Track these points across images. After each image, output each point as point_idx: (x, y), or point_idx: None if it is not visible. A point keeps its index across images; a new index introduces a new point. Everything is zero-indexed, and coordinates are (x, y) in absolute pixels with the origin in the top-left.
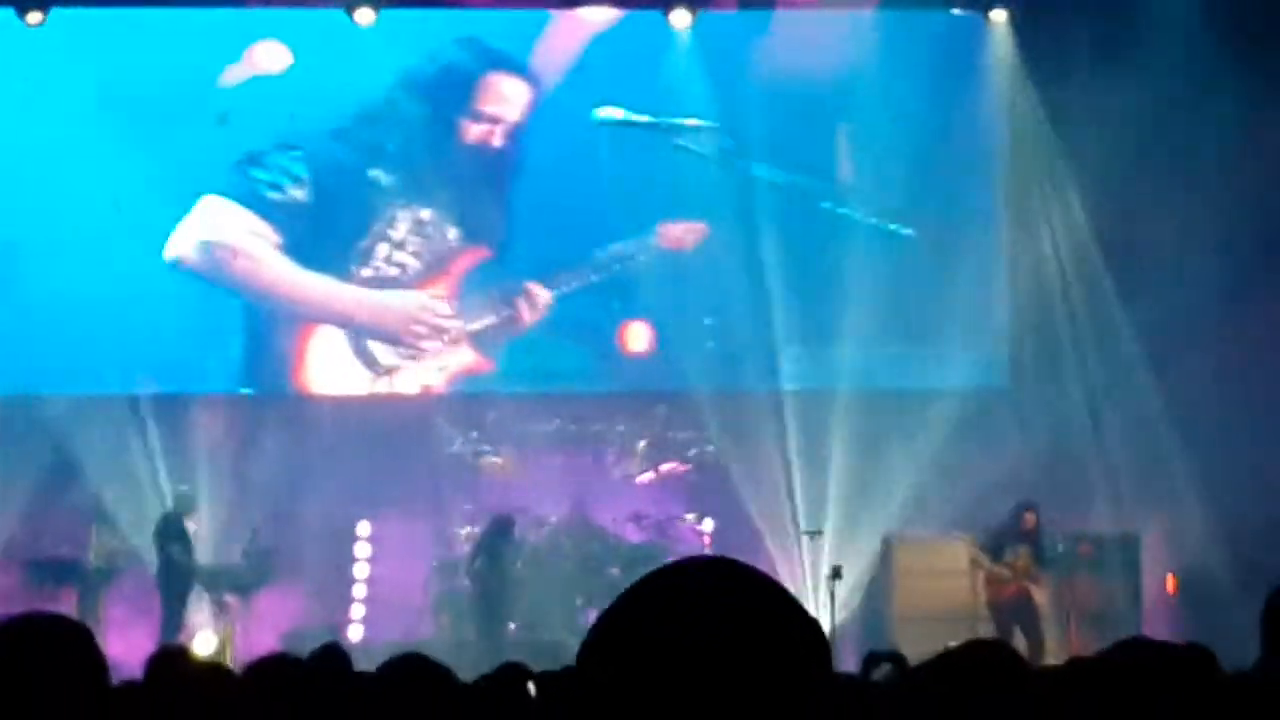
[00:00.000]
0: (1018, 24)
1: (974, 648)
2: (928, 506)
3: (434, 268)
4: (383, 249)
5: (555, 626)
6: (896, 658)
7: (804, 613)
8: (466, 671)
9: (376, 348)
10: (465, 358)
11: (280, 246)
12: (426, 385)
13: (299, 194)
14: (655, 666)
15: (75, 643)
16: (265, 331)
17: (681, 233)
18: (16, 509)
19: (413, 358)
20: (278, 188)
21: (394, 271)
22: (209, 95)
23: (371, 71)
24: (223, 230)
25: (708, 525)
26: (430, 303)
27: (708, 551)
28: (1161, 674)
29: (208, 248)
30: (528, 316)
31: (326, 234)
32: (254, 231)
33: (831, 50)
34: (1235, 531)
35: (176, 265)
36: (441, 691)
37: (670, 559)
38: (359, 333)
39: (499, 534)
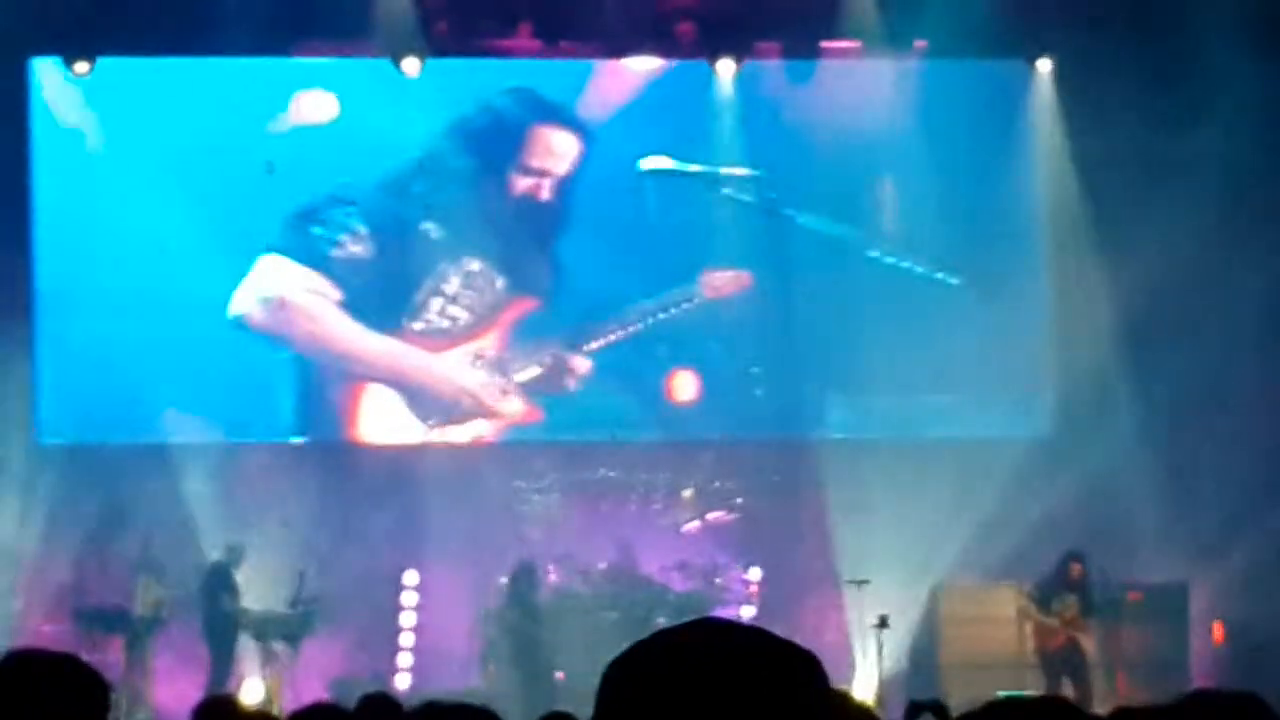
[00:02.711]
0: (1062, 73)
1: (1016, 702)
2: (974, 555)
3: (484, 319)
4: (436, 303)
5: (594, 676)
6: (939, 707)
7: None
8: None
9: (428, 402)
10: (514, 408)
11: (339, 303)
12: (476, 435)
13: (358, 249)
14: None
15: (74, 679)
16: (318, 381)
17: (725, 281)
18: (66, 557)
19: (463, 416)
20: (337, 244)
21: (445, 324)
22: (255, 145)
23: (418, 122)
24: (285, 289)
25: (754, 574)
26: (483, 378)
27: (754, 600)
28: None
29: (271, 307)
30: (570, 384)
31: (383, 288)
32: (315, 290)
33: (875, 100)
34: None
35: (241, 324)
36: None
37: (716, 608)
38: (411, 395)
39: (524, 581)
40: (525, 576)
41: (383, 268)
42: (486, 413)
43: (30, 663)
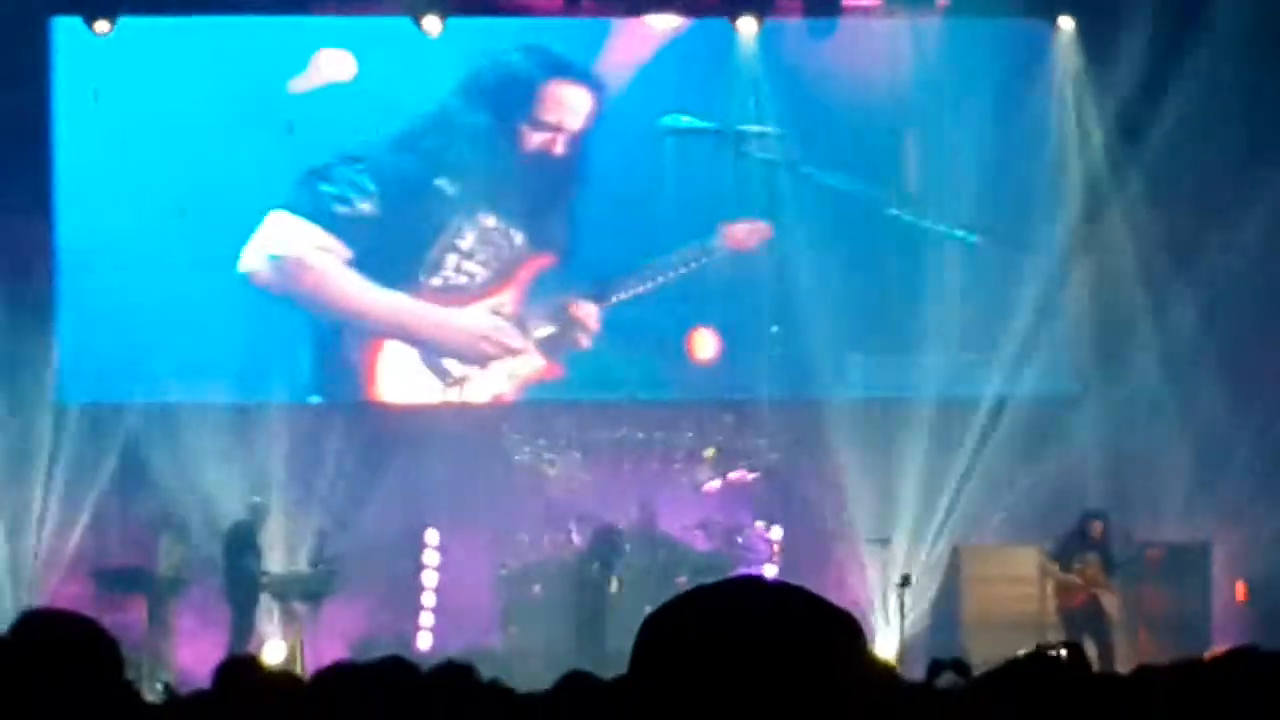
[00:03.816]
0: (1084, 30)
1: (1037, 658)
2: (996, 514)
3: (501, 275)
4: (451, 259)
5: (622, 634)
6: (960, 665)
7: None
8: (538, 679)
9: (445, 358)
10: (534, 364)
11: (350, 261)
12: (496, 393)
13: (366, 207)
14: (700, 676)
15: (87, 641)
16: (335, 341)
17: (745, 233)
18: (87, 518)
19: (481, 367)
20: (345, 201)
21: (462, 280)
22: (275, 104)
23: (436, 80)
24: (292, 246)
25: (776, 533)
26: (497, 321)
27: (776, 559)
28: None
29: (279, 264)
30: (582, 340)
31: (395, 245)
32: (323, 247)
33: (897, 57)
34: None
35: (249, 280)
36: (502, 702)
37: (738, 567)
38: (427, 349)
39: (610, 544)
40: (612, 541)
41: (395, 225)
42: (508, 354)
43: (44, 624)
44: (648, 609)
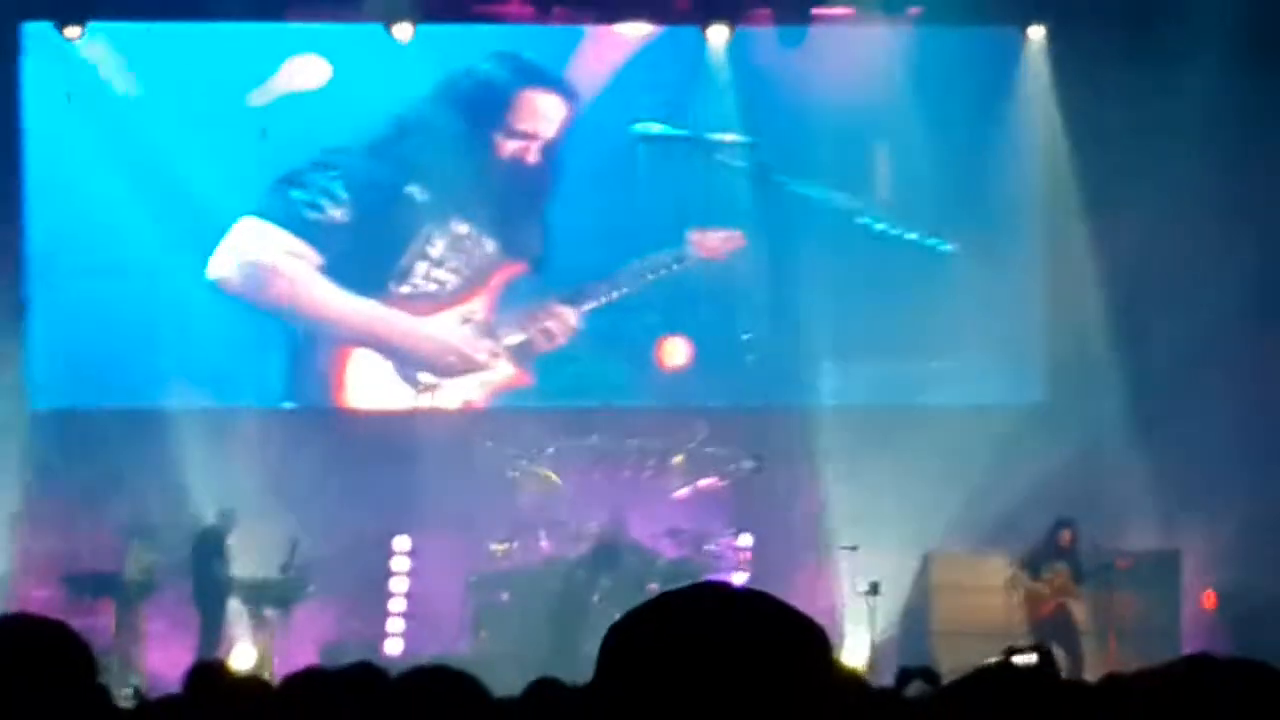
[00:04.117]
0: (1054, 39)
1: (1006, 666)
2: (965, 522)
3: (472, 283)
4: (422, 266)
5: (593, 640)
6: (929, 673)
7: (815, 641)
8: (507, 686)
9: (415, 370)
10: (505, 372)
11: (321, 267)
12: (467, 400)
13: (338, 213)
14: (664, 683)
15: (60, 646)
16: (306, 347)
17: (716, 241)
18: (57, 522)
19: (450, 377)
20: (317, 208)
21: (432, 287)
22: (247, 110)
23: (409, 87)
24: (263, 252)
25: (745, 540)
26: (464, 332)
27: (746, 567)
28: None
29: (248, 270)
30: (558, 336)
31: (365, 252)
32: (293, 253)
33: (868, 66)
34: (1274, 546)
35: (218, 286)
36: (476, 706)
37: (708, 574)
38: (397, 358)
39: (608, 557)
40: (612, 546)
41: (366, 232)
42: (473, 369)
43: (16, 628)
44: (616, 614)
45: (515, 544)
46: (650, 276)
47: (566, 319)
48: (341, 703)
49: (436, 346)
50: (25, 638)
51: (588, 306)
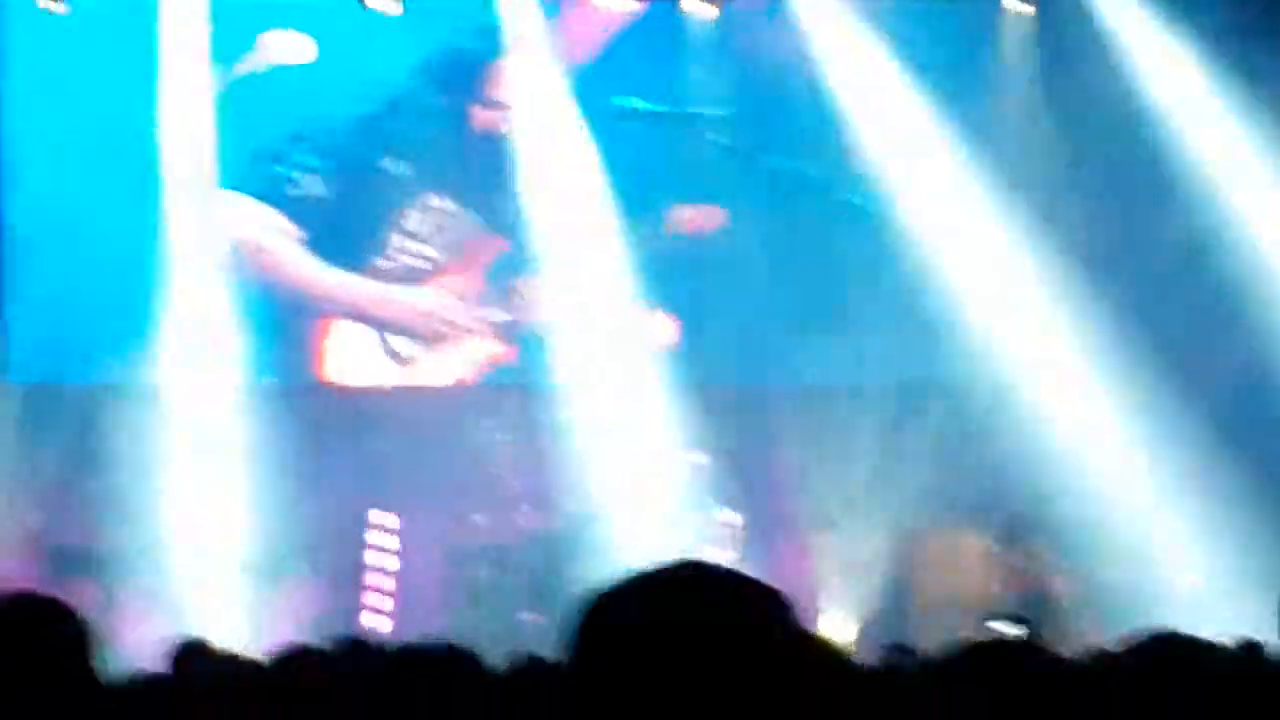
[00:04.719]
0: (1036, 16)
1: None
2: (947, 497)
3: (455, 258)
4: (402, 241)
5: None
6: (904, 649)
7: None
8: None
9: (397, 340)
10: (489, 348)
11: (301, 241)
12: (449, 376)
13: (317, 188)
14: (638, 659)
15: (58, 621)
16: (285, 320)
17: (694, 216)
18: (36, 499)
19: (433, 349)
20: (295, 183)
21: (415, 263)
22: (227, 84)
23: (391, 62)
24: (243, 226)
25: (732, 517)
26: (447, 299)
27: (732, 545)
28: (1196, 668)
29: (227, 244)
30: (543, 313)
31: (347, 227)
32: (273, 227)
33: (850, 40)
34: (1251, 519)
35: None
36: (470, 680)
37: (691, 551)
38: (379, 327)
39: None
40: (583, 523)
41: (346, 206)
42: (458, 337)
43: (13, 605)
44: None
45: (496, 519)
46: (628, 252)
47: (533, 294)
48: (334, 678)
49: (420, 315)
50: (26, 615)
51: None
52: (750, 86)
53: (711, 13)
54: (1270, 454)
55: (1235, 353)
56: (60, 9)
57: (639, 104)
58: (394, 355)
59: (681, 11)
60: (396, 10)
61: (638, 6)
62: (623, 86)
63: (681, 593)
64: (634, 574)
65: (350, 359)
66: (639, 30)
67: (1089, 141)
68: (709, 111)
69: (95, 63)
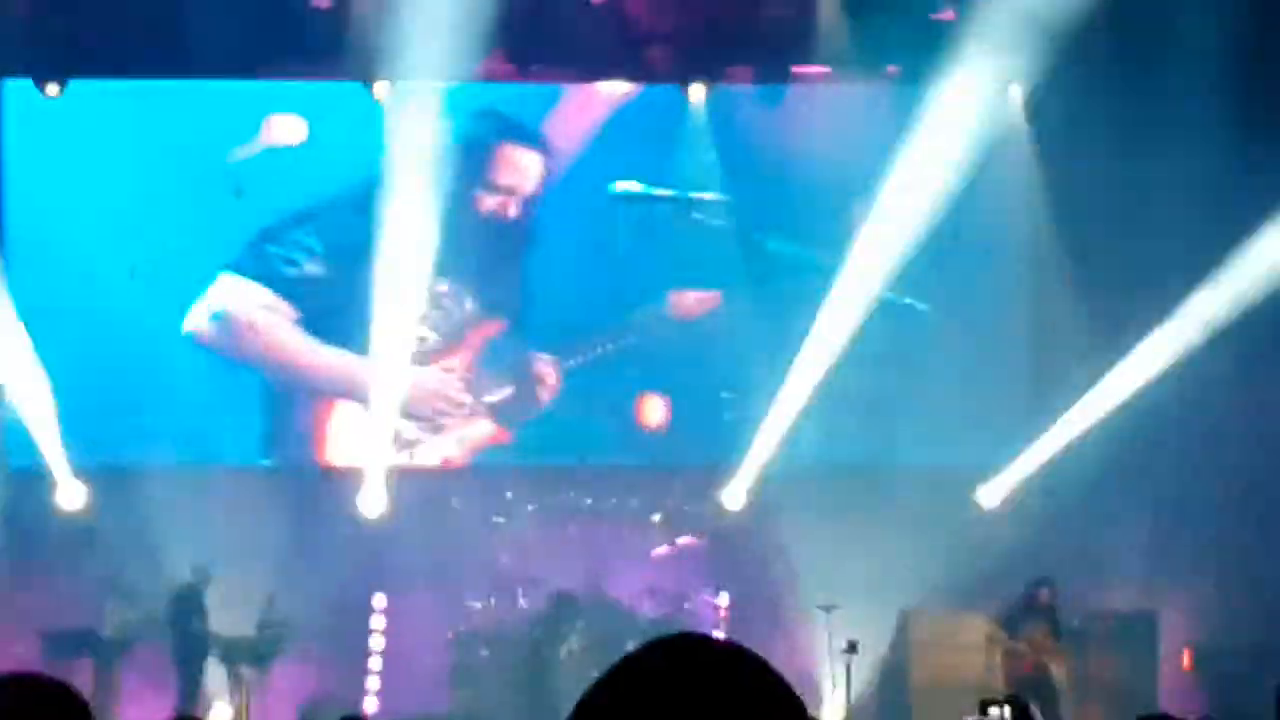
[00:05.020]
0: (1034, 99)
1: None
2: (944, 581)
3: (452, 339)
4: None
5: (571, 699)
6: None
7: (785, 694)
8: None
9: (396, 422)
10: (484, 430)
11: (297, 321)
12: (446, 457)
13: (314, 268)
14: None
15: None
16: (286, 404)
17: (693, 302)
18: (33, 579)
19: (432, 432)
20: (293, 263)
21: (413, 345)
22: (225, 167)
23: (386, 145)
24: (238, 306)
25: (723, 599)
26: (446, 378)
27: (723, 625)
28: None
29: (224, 323)
30: (543, 396)
31: (344, 308)
32: (269, 307)
33: (847, 125)
34: (1252, 609)
35: (194, 340)
36: None
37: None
38: (377, 408)
39: (560, 613)
40: (568, 604)
41: (344, 288)
42: (455, 417)
43: (12, 685)
44: (594, 673)
45: (493, 600)
46: (628, 337)
47: (550, 376)
48: None
49: (417, 396)
50: (29, 697)
51: (569, 364)
52: (746, 169)
53: (703, 94)
54: (1273, 540)
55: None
56: (57, 93)
57: (636, 188)
58: (395, 437)
59: (675, 94)
60: (388, 93)
61: (632, 89)
62: (619, 170)
63: (678, 679)
64: (629, 658)
65: (350, 441)
66: (634, 113)
67: (1089, 219)
68: (704, 196)
69: (94, 149)
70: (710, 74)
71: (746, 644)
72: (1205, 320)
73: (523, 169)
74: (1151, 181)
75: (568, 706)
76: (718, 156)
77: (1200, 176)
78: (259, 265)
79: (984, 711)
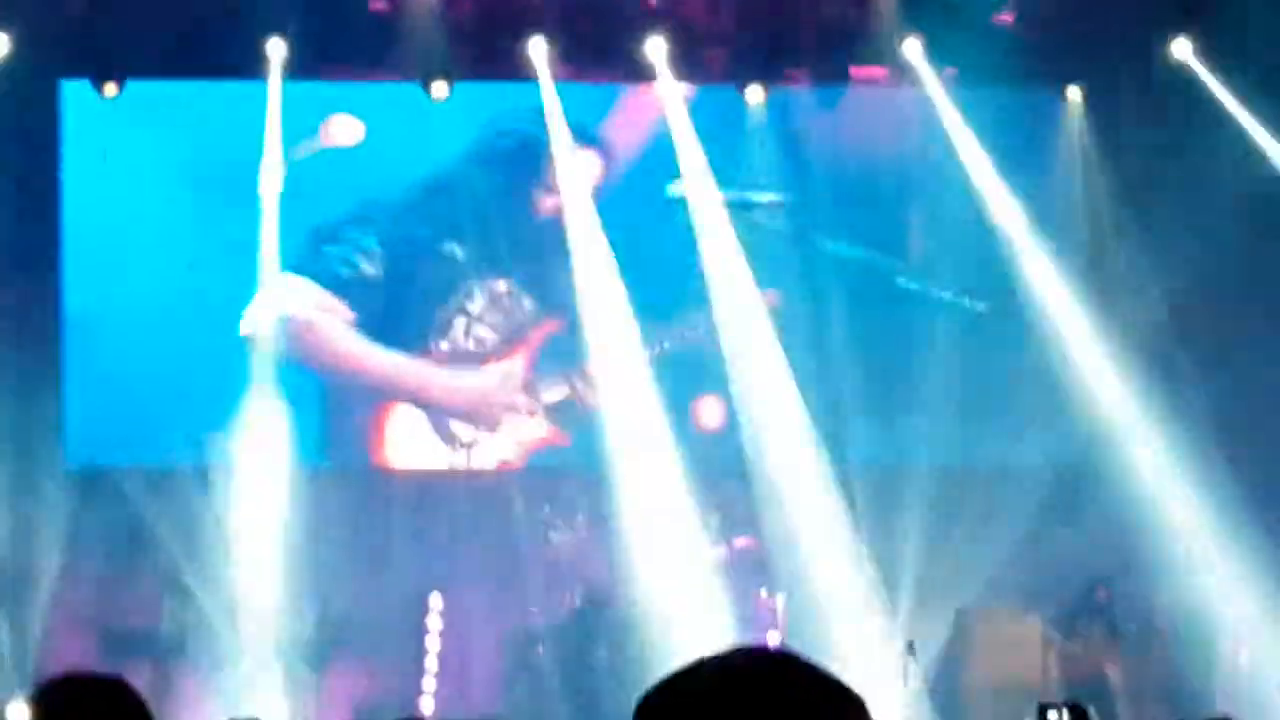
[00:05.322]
0: (1092, 100)
1: None
2: (1000, 582)
3: (511, 340)
4: (460, 322)
5: (629, 703)
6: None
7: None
8: None
9: (454, 423)
10: (540, 431)
11: (353, 323)
12: (503, 459)
13: (372, 269)
14: None
15: (118, 700)
16: (343, 405)
17: None
18: (91, 579)
19: (489, 432)
20: (350, 264)
21: (472, 345)
22: (283, 168)
23: (444, 144)
24: (296, 307)
25: (780, 601)
26: (503, 381)
27: (780, 627)
28: None
29: (280, 325)
30: (593, 398)
31: (401, 309)
32: (326, 308)
33: (904, 127)
34: None
35: (250, 342)
36: None
37: (743, 634)
38: (434, 410)
39: (598, 606)
40: (599, 600)
41: (402, 288)
42: (513, 419)
43: (70, 684)
44: (649, 677)
45: (549, 602)
46: (685, 336)
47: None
48: None
49: (475, 397)
50: (87, 695)
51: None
52: (803, 171)
53: (760, 96)
54: None
55: None
56: (115, 93)
57: (693, 189)
58: (452, 439)
59: (732, 96)
60: (445, 94)
61: (689, 90)
62: (676, 171)
63: (736, 684)
64: (689, 665)
65: (409, 442)
66: (691, 115)
67: (1148, 222)
68: (762, 197)
69: (151, 150)
70: (768, 76)
71: (802, 646)
72: (1267, 318)
73: (583, 170)
74: (1213, 181)
75: (620, 709)
76: (775, 158)
77: (1262, 174)
78: (317, 266)
79: (1042, 716)
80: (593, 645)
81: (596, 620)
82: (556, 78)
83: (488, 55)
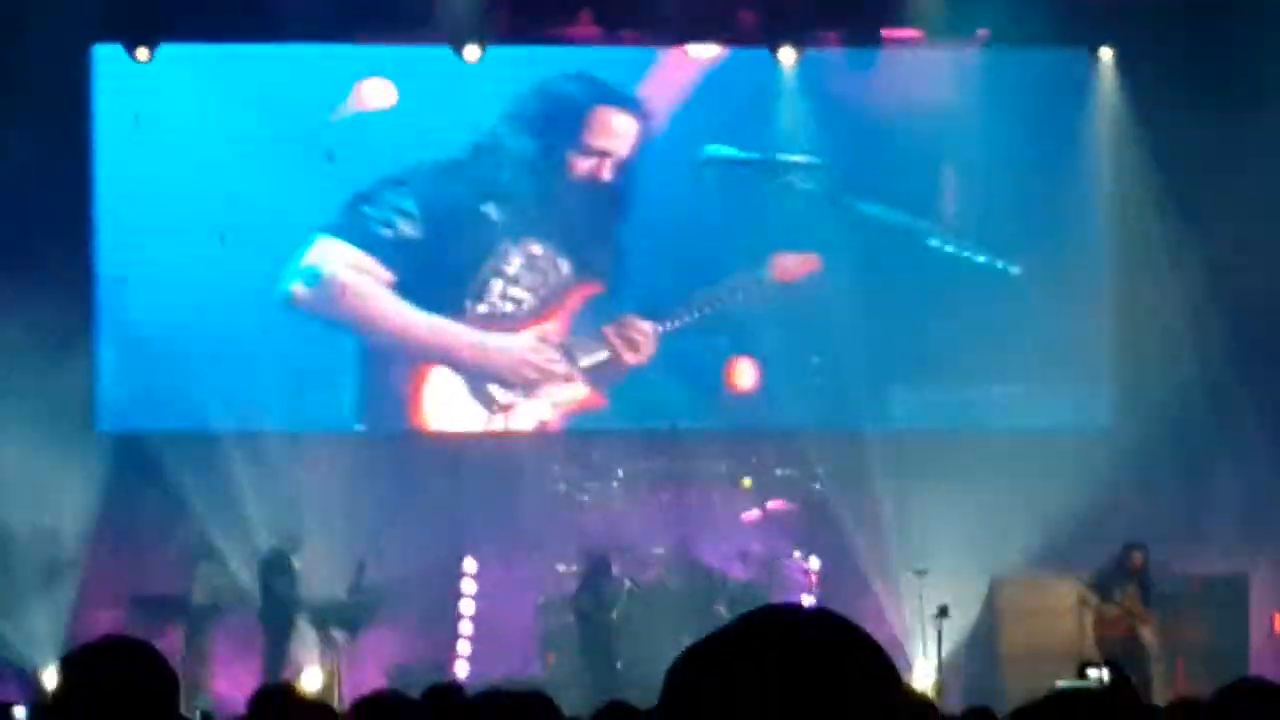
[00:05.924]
0: (1125, 61)
1: (1077, 691)
2: (1034, 546)
3: (548, 302)
4: (497, 284)
5: (662, 664)
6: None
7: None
8: (576, 709)
9: (491, 386)
10: (578, 393)
11: (392, 284)
12: (540, 421)
13: (410, 230)
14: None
15: (147, 665)
16: (380, 368)
17: (795, 264)
18: (125, 546)
19: (526, 395)
20: (389, 225)
21: (509, 307)
22: (317, 131)
23: (478, 107)
24: (334, 268)
25: (814, 563)
26: (540, 345)
27: (814, 589)
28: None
29: (320, 286)
30: (631, 357)
31: (439, 270)
32: (365, 269)
33: (937, 87)
34: None
35: (289, 303)
36: None
37: (776, 596)
38: (471, 373)
39: (600, 571)
40: (601, 565)
41: (440, 250)
42: (549, 382)
43: (101, 649)
44: (686, 638)
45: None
46: (726, 300)
47: (641, 340)
48: None
49: (512, 360)
50: (117, 662)
51: (665, 328)
52: (837, 133)
53: (793, 58)
54: None
55: None
56: (147, 58)
57: (728, 151)
58: (490, 401)
59: (765, 58)
60: (477, 57)
61: (722, 52)
62: (711, 134)
63: (772, 646)
64: (724, 627)
65: (446, 405)
66: (724, 77)
67: (1182, 183)
68: (796, 159)
69: (184, 113)
70: (800, 37)
71: (836, 608)
72: None
73: (617, 132)
74: (1243, 141)
75: (653, 672)
76: (809, 120)
77: None
78: (354, 228)
79: (1082, 674)
80: (626, 608)
81: (630, 583)
82: (588, 41)
83: (521, 19)
